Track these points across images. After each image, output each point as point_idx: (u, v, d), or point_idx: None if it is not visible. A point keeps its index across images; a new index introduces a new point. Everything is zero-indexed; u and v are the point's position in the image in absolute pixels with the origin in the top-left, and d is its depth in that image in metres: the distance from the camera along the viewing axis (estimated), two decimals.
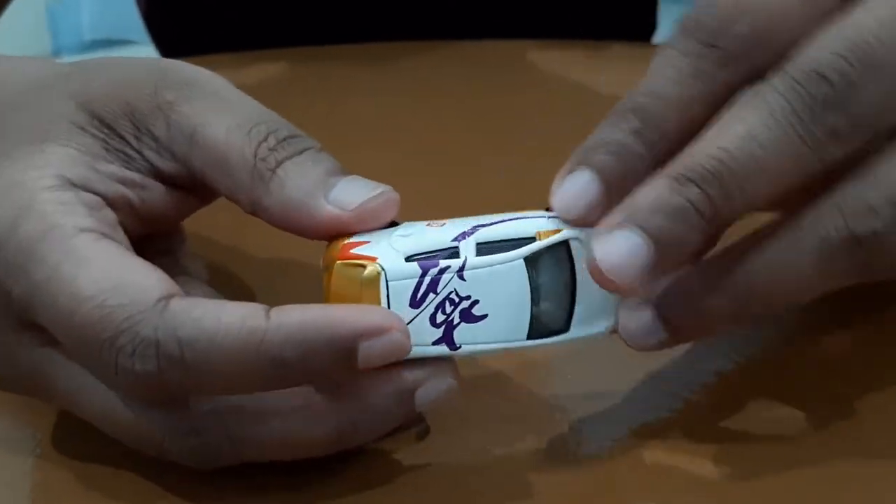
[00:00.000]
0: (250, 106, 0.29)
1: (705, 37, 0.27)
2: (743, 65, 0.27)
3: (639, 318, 0.27)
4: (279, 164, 0.27)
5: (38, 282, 0.26)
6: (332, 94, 0.52)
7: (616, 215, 0.26)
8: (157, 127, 0.29)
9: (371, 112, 0.51)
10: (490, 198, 0.45)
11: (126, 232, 0.29)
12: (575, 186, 0.27)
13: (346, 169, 0.28)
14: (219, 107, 0.29)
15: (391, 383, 0.26)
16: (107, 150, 0.29)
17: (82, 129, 0.28)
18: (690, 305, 0.27)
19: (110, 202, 0.28)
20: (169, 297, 0.25)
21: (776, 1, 0.27)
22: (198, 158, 0.28)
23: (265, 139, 0.28)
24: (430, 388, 0.26)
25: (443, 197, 0.42)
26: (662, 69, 0.28)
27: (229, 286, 0.32)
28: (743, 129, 0.26)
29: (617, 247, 0.26)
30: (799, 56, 0.27)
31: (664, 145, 0.27)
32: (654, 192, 0.26)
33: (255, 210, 0.28)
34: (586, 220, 0.27)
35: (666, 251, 0.26)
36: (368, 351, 0.25)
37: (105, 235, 0.27)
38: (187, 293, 0.29)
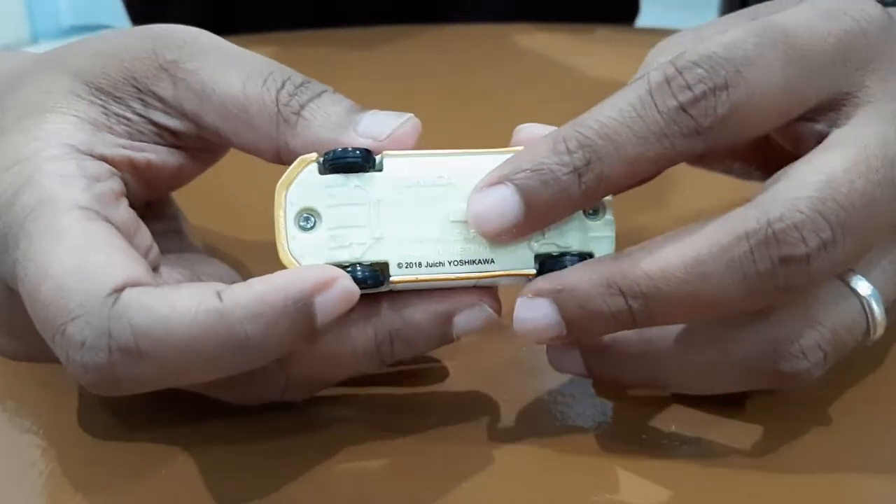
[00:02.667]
0: (254, 57, 0.29)
1: (683, 100, 0.25)
2: (707, 140, 0.26)
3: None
4: (303, 106, 0.28)
5: (19, 253, 0.25)
6: (320, 79, 0.52)
7: (547, 282, 0.26)
8: (163, 88, 0.28)
9: (358, 96, 0.50)
10: None
11: (132, 197, 0.28)
12: (496, 203, 0.26)
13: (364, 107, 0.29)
14: (224, 61, 0.28)
15: (432, 304, 0.27)
16: (106, 115, 0.28)
17: (80, 97, 0.28)
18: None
19: (117, 165, 0.28)
20: (126, 285, 0.24)
21: (764, 88, 0.26)
22: (210, 114, 0.28)
23: (282, 87, 0.28)
24: (470, 316, 0.27)
25: None
26: (629, 113, 0.26)
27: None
28: (692, 261, 0.25)
29: (534, 315, 0.26)
30: (783, 195, 0.25)
31: (601, 191, 0.26)
32: (587, 283, 0.26)
33: (280, 156, 0.28)
34: (494, 238, 0.27)
35: (577, 335, 0.27)
36: (324, 304, 0.24)
37: (98, 215, 0.26)
38: (203, 272, 0.29)
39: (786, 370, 0.26)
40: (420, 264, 0.26)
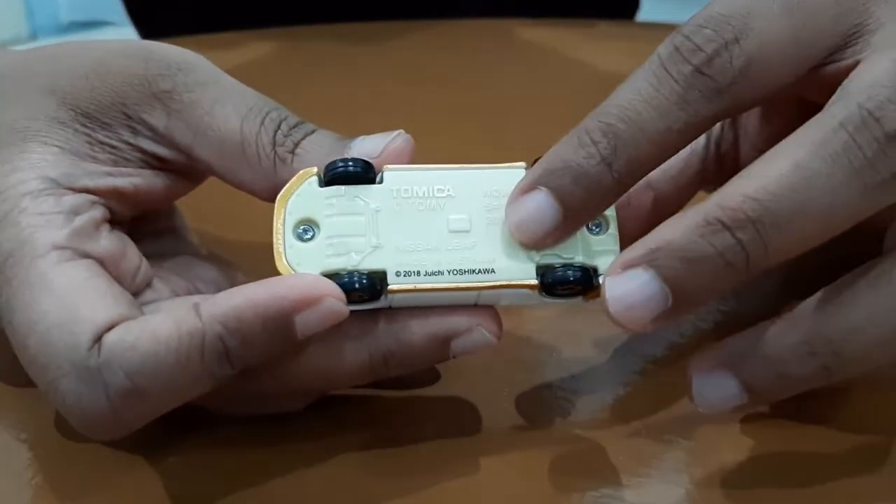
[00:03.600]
0: (250, 94, 0.29)
1: (697, 62, 0.25)
2: (730, 100, 0.25)
3: (719, 387, 0.25)
4: (297, 144, 0.28)
5: (2, 302, 0.25)
6: (321, 74, 0.52)
7: (635, 249, 0.24)
8: (155, 117, 0.28)
9: (360, 90, 0.50)
10: None
11: (118, 219, 0.28)
12: (533, 209, 0.26)
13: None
14: (219, 96, 0.28)
15: (429, 327, 0.26)
16: (90, 143, 0.28)
17: (64, 124, 0.28)
18: (777, 373, 0.25)
19: (101, 194, 0.28)
20: (108, 327, 0.24)
21: (772, 36, 0.25)
22: (204, 149, 0.28)
23: (279, 127, 0.28)
24: (468, 340, 0.26)
25: None
26: (646, 90, 0.25)
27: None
28: (790, 168, 0.23)
29: (630, 290, 0.24)
30: (861, 84, 0.24)
31: (635, 176, 0.25)
32: (682, 232, 0.24)
33: (275, 194, 0.27)
34: (541, 244, 0.26)
35: (687, 299, 0.24)
36: (306, 321, 0.24)
37: (76, 252, 0.26)
38: (198, 276, 0.29)
39: None
40: (419, 273, 0.26)
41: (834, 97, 0.25)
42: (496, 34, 0.57)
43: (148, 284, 0.28)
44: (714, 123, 0.26)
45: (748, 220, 0.23)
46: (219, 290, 0.29)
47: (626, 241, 0.26)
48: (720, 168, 0.32)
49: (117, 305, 0.25)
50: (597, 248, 0.27)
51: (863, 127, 0.23)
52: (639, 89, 0.25)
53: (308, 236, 0.26)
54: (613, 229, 0.27)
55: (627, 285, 0.24)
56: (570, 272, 0.26)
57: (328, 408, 0.29)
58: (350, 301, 0.25)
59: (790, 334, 0.24)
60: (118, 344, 0.24)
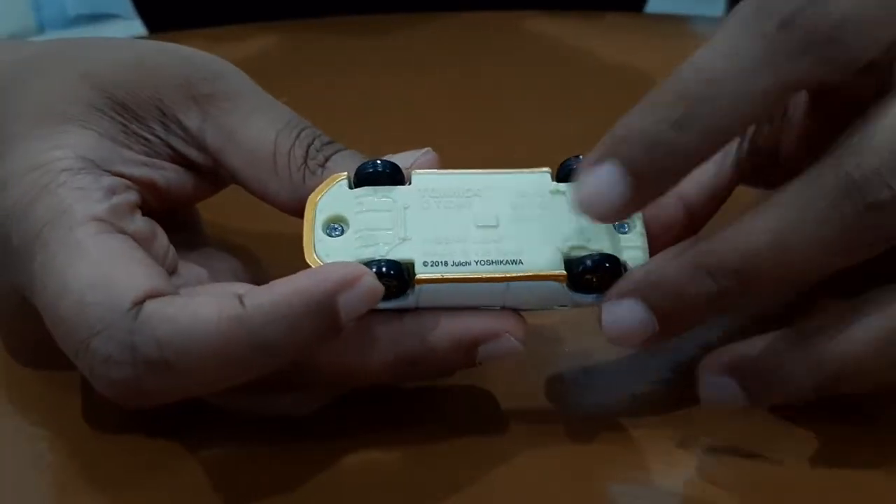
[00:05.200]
0: (284, 109, 0.30)
1: (785, 14, 0.23)
2: (818, 63, 0.23)
3: (628, 310, 0.26)
4: (328, 158, 0.29)
5: (36, 266, 0.25)
6: (328, 67, 0.52)
7: (630, 281, 0.26)
8: (190, 118, 0.29)
9: (367, 84, 0.50)
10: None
11: (148, 209, 0.28)
12: (600, 182, 0.24)
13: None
14: (257, 107, 0.29)
15: (456, 332, 0.26)
16: (126, 133, 0.28)
17: (101, 112, 0.28)
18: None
19: (135, 182, 0.28)
20: (146, 297, 0.24)
21: None
22: (234, 156, 0.29)
23: (312, 142, 0.29)
24: (495, 346, 0.26)
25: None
26: (725, 48, 0.23)
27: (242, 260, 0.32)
28: (778, 227, 0.24)
29: (622, 317, 0.26)
30: (860, 151, 0.24)
31: (712, 144, 0.24)
32: (672, 271, 0.25)
33: (300, 206, 0.28)
34: (610, 219, 0.25)
35: (671, 328, 0.26)
36: (348, 302, 0.24)
37: (113, 226, 0.26)
38: (217, 269, 0.30)
39: None
40: (446, 263, 0.26)
41: (834, 148, 0.24)
42: (503, 26, 0.56)
43: (174, 271, 0.28)
44: (799, 89, 0.24)
45: (733, 272, 0.25)
46: (238, 280, 0.29)
47: (657, 250, 0.27)
48: (756, 161, 0.31)
49: (156, 277, 0.25)
50: (624, 245, 0.27)
51: (846, 195, 0.24)
52: (718, 48, 0.24)
53: (337, 233, 0.27)
54: (641, 228, 0.27)
55: (620, 313, 0.26)
56: (598, 258, 0.26)
57: (342, 404, 0.29)
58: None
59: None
60: (158, 312, 0.24)
